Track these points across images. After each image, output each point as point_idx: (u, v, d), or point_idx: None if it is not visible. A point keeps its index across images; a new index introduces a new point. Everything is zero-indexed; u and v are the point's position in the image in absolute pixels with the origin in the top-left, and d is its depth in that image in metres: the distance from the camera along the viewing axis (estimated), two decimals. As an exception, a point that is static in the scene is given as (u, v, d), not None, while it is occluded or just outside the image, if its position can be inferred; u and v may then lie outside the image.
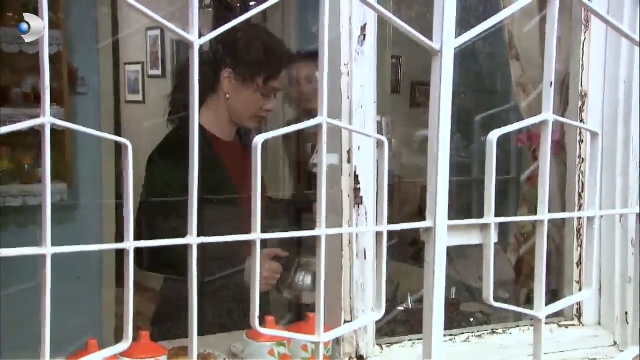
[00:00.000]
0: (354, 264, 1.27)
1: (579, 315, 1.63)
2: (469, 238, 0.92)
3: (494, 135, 0.89)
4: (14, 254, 0.58)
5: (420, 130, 3.29)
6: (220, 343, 1.66)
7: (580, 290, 1.65)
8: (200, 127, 2.10)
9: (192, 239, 0.74)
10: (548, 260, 0.88)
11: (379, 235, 0.83)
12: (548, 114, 0.81)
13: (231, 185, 2.08)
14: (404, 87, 4.10)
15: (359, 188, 1.24)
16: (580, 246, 1.65)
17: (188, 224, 0.75)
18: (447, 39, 0.83)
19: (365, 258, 1.28)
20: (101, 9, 3.63)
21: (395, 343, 1.37)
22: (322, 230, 0.80)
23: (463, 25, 0.88)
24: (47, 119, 0.65)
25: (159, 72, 5.35)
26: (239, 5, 4.35)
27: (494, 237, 0.91)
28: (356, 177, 1.24)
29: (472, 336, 1.45)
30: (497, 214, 0.89)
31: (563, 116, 1.71)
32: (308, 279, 1.95)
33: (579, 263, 1.65)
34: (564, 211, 1.78)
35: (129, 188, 0.70)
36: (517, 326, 1.54)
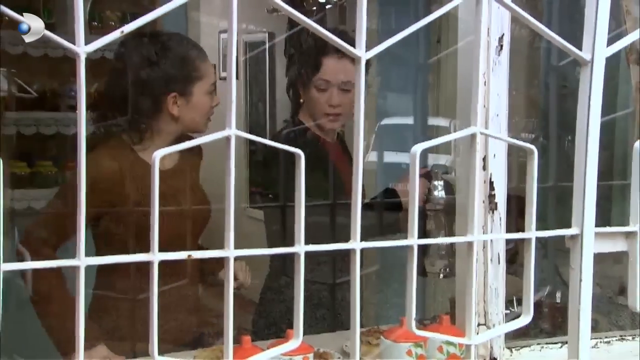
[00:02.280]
0: (488, 268, 1.30)
1: None
2: (614, 245, 0.93)
3: (640, 144, 0.90)
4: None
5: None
6: (333, 341, 1.70)
7: None
8: (306, 128, 2.15)
9: (356, 244, 0.78)
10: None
11: (526, 242, 0.85)
12: None
13: (342, 186, 2.10)
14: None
15: (494, 194, 1.27)
16: None
17: (351, 229, 0.79)
18: (598, 49, 0.84)
19: (499, 263, 1.31)
20: (191, 13, 3.75)
21: (525, 347, 1.39)
22: (474, 237, 0.83)
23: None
24: (232, 131, 0.70)
25: (230, 74, 5.46)
26: (314, 8, 4.35)
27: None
28: (491, 183, 1.27)
29: (601, 342, 1.45)
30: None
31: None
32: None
33: None
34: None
35: (301, 195, 0.74)
36: (648, 334, 1.53)
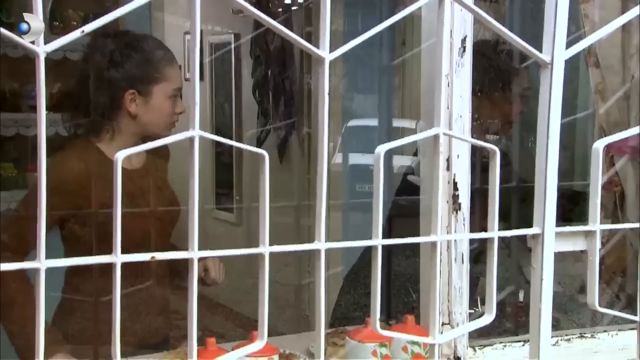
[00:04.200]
0: (452, 268, 1.31)
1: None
2: (574, 244, 0.94)
3: (599, 145, 0.91)
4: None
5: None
6: (298, 342, 1.71)
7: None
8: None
9: (321, 245, 0.78)
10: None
11: (489, 241, 0.86)
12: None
13: None
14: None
15: (457, 195, 1.29)
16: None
17: (315, 231, 0.79)
18: (558, 51, 0.86)
19: (463, 262, 1.32)
20: (155, 13, 3.72)
21: (488, 345, 1.41)
22: (438, 237, 0.83)
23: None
24: (196, 132, 0.70)
25: (196, 75, 5.41)
26: (280, 10, 4.34)
27: (598, 244, 0.94)
28: (455, 184, 1.28)
29: (561, 340, 1.47)
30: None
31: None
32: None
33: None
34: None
35: (266, 195, 0.74)
36: (605, 331, 1.55)
